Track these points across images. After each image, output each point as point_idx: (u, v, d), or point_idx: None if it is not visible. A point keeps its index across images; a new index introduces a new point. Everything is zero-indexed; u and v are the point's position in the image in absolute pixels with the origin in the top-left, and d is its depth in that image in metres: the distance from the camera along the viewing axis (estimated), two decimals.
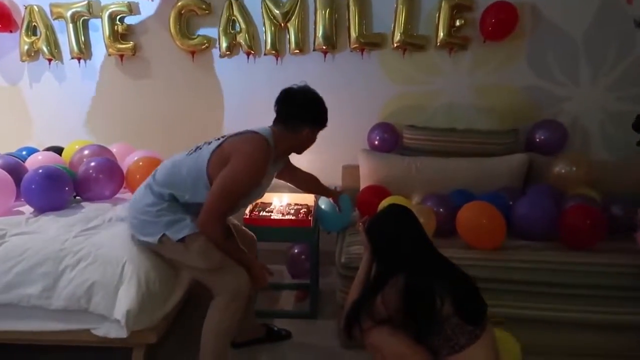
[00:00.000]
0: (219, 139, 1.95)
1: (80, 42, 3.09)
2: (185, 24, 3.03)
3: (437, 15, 2.88)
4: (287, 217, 2.60)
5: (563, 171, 2.72)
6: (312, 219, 2.55)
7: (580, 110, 2.98)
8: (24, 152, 2.75)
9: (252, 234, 2.33)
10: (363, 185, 2.97)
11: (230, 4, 2.96)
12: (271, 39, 2.99)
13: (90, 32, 3.13)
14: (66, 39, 3.11)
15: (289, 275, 3.09)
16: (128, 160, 2.70)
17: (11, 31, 3.13)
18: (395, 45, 2.95)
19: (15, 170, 2.28)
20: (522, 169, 2.83)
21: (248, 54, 3.05)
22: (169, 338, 2.06)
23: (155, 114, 3.19)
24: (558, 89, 2.96)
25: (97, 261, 1.84)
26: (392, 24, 2.92)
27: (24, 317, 1.83)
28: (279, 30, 2.99)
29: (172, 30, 3.00)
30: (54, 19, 3.08)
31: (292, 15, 2.94)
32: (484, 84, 2.98)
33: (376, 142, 3.01)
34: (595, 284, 2.14)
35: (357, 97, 3.08)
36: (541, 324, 2.18)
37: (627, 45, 2.86)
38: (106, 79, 3.18)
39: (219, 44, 3.03)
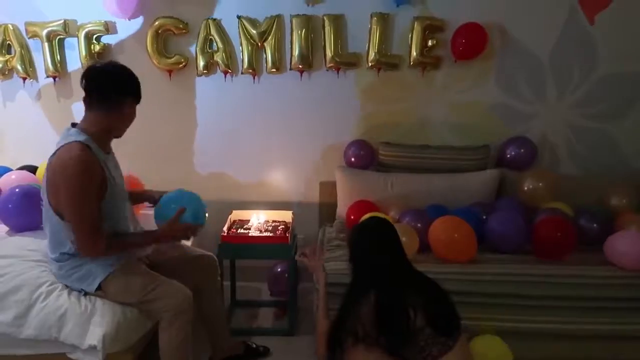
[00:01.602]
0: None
1: (56, 60, 3.08)
2: (163, 43, 3.05)
3: (410, 35, 2.96)
4: (264, 234, 2.62)
5: (531, 186, 2.81)
6: (289, 235, 2.57)
7: (547, 127, 3.09)
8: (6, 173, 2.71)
9: (212, 255, 2.30)
10: (341, 202, 3.01)
11: (208, 24, 3.00)
12: (248, 58, 3.03)
13: (67, 51, 3.12)
14: (41, 58, 3.09)
15: (268, 293, 3.09)
16: None
17: None
18: (370, 64, 3.02)
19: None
20: (493, 184, 2.91)
21: (225, 73, 3.08)
22: (147, 357, 2.03)
23: (131, 132, 3.16)
24: (526, 107, 3.07)
25: (73, 291, 1.83)
26: (367, 44, 3.00)
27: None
28: (256, 50, 3.04)
29: (149, 49, 3.02)
30: (29, 38, 3.07)
31: (268, 34, 2.99)
32: (455, 101, 3.08)
33: (352, 159, 3.07)
34: (567, 295, 2.20)
35: (333, 115, 3.14)
36: (514, 335, 2.22)
37: (590, 63, 2.99)
38: (81, 97, 3.15)
39: (197, 62, 3.06)
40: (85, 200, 1.68)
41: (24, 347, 1.78)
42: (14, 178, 2.47)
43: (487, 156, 3.03)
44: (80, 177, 1.65)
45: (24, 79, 3.14)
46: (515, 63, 3.01)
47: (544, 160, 3.11)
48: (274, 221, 2.80)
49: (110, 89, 1.77)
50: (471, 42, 2.88)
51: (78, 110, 3.16)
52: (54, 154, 1.73)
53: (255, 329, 2.68)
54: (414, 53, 2.99)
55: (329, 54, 3.01)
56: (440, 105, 3.09)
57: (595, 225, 2.55)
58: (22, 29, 3.06)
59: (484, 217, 2.58)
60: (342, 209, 2.95)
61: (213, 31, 3.00)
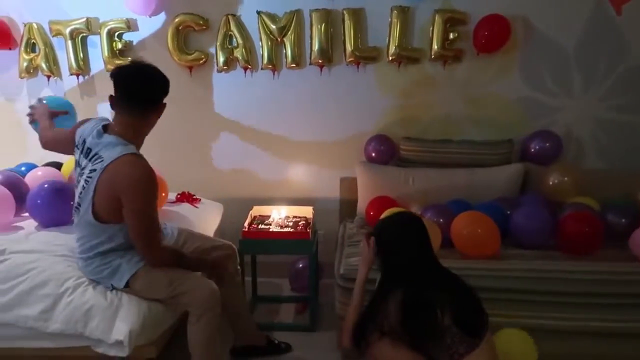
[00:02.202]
0: (83, 181, 1.79)
1: (79, 58, 3.12)
2: (183, 39, 3.07)
3: (431, 28, 2.92)
4: (285, 229, 2.62)
5: (557, 181, 2.75)
6: (310, 231, 2.56)
7: (573, 120, 3.02)
8: (22, 168, 2.76)
9: (230, 243, 2.30)
10: (361, 197, 2.99)
11: (228, 20, 3.00)
12: (268, 54, 3.03)
13: (89, 49, 3.16)
14: (65, 56, 3.14)
15: (289, 289, 3.09)
16: None
17: (10, 48, 3.15)
18: (390, 58, 2.99)
19: (15, 185, 2.29)
20: (518, 179, 2.86)
21: (245, 69, 3.09)
22: (170, 349, 2.05)
23: (157, 131, 3.21)
24: (551, 100, 3.00)
25: (98, 285, 1.85)
26: (387, 38, 2.97)
27: (20, 337, 1.82)
28: (276, 45, 3.03)
29: (170, 46, 3.04)
30: (52, 36, 3.11)
31: (288, 30, 2.99)
32: (478, 95, 3.03)
33: (373, 154, 3.04)
34: (592, 291, 2.16)
35: (353, 110, 3.12)
36: (538, 332, 2.18)
37: (617, 55, 2.91)
38: (104, 95, 3.16)
39: (217, 59, 3.07)
40: (155, 212, 1.77)
41: (50, 340, 1.81)
42: (40, 174, 2.52)
43: (511, 150, 2.97)
44: (153, 185, 1.73)
45: (49, 77, 3.19)
46: (539, 55, 2.95)
47: (569, 154, 3.04)
48: (294, 217, 2.80)
49: (157, 95, 1.81)
50: (494, 34, 2.83)
51: (103, 111, 3.20)
52: (109, 163, 1.70)
53: (277, 324, 2.68)
54: (435, 46, 2.95)
55: (348, 48, 2.98)
56: (462, 99, 3.04)
57: (622, 220, 2.49)
58: (46, 27, 3.11)
59: (508, 212, 2.53)
60: (362, 205, 2.93)
61: (233, 27, 3.01)
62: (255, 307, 2.88)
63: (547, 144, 2.92)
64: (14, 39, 3.15)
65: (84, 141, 1.82)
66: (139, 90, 1.77)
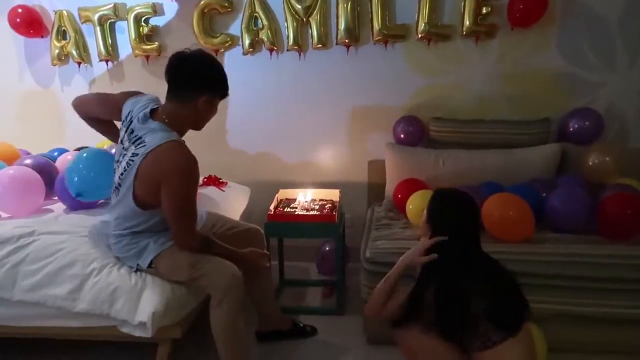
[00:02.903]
0: (125, 164, 1.79)
1: (108, 44, 3.16)
2: (209, 22, 3.05)
3: (463, 3, 2.79)
4: (311, 212, 2.58)
5: (597, 161, 2.59)
6: (336, 214, 2.52)
7: (616, 97, 2.84)
8: (55, 153, 2.83)
9: (256, 227, 2.28)
10: (389, 180, 2.92)
11: (252, 1, 2.96)
12: (293, 35, 2.97)
13: (117, 34, 3.19)
14: (94, 42, 3.17)
15: (317, 273, 3.08)
16: None
17: (42, 36, 3.22)
18: (419, 35, 2.88)
19: (46, 169, 2.34)
20: (554, 160, 2.72)
21: (271, 51, 3.04)
22: (195, 331, 2.07)
23: None
24: (592, 75, 2.83)
25: (123, 266, 1.87)
26: (416, 14, 2.86)
27: (50, 316, 1.87)
28: (301, 26, 2.97)
29: (196, 29, 3.02)
30: (82, 23, 3.16)
31: (313, 9, 2.92)
32: (513, 72, 2.88)
33: (402, 136, 2.96)
34: (633, 277, 2.03)
35: (381, 90, 3.03)
36: (573, 319, 2.09)
37: None
38: (133, 80, 3.23)
39: (242, 41, 3.04)
40: (194, 199, 1.76)
41: (78, 319, 1.85)
42: (70, 159, 2.55)
43: (548, 130, 2.83)
44: (195, 176, 1.74)
45: (79, 63, 3.24)
46: (579, 28, 2.77)
47: (610, 132, 2.87)
48: (320, 200, 2.76)
49: (186, 79, 1.75)
50: (529, 6, 2.68)
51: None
52: (152, 149, 1.70)
53: (303, 308, 2.67)
54: (466, 22, 2.82)
55: (376, 26, 2.89)
56: (496, 76, 2.91)
57: None
58: (76, 14, 3.15)
59: (544, 194, 2.41)
60: (390, 188, 2.86)
61: (258, 8, 2.96)
62: (282, 290, 2.87)
63: (587, 123, 2.76)
64: (46, 27, 3.22)
65: (130, 121, 1.81)
66: (182, 76, 1.75)
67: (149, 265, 1.83)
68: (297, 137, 3.19)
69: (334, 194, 2.80)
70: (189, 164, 1.71)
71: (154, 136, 1.72)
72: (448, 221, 1.61)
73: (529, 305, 1.52)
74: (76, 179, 2.11)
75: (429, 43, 2.91)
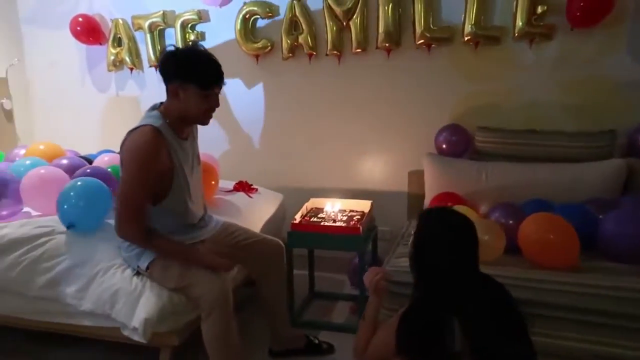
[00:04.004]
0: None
1: (157, 50, 3.26)
2: (251, 27, 3.05)
3: (515, 2, 2.55)
4: (337, 223, 2.46)
5: None
6: (362, 226, 2.38)
7: None
8: (101, 155, 2.94)
9: (278, 241, 2.18)
10: (428, 193, 2.72)
11: (293, 6, 2.92)
12: (333, 39, 2.89)
13: (167, 41, 3.29)
14: (145, 49, 3.30)
15: (350, 285, 2.94)
16: None
17: (100, 44, 3.40)
18: (466, 38, 2.68)
19: (76, 170, 2.42)
20: (618, 177, 2.38)
21: (310, 56, 2.98)
22: (196, 338, 2.02)
23: (222, 119, 3.27)
24: None
25: (127, 268, 1.87)
26: (462, 15, 2.66)
27: (60, 314, 1.92)
28: (341, 30, 2.88)
29: (237, 34, 3.04)
30: (135, 30, 3.29)
31: (354, 13, 2.82)
32: (572, 78, 2.59)
33: (444, 146, 2.76)
34: None
35: (424, 97, 2.86)
36: None
37: None
38: None
39: (282, 46, 3.00)
40: (138, 184, 1.68)
41: (85, 318, 1.88)
42: (107, 160, 2.65)
43: (613, 144, 2.49)
44: (143, 162, 1.67)
45: (131, 69, 3.38)
46: None
47: None
48: (351, 211, 2.63)
49: (168, 75, 1.74)
50: (593, 3, 2.39)
51: None
52: (129, 133, 1.74)
53: (325, 324, 2.54)
54: (519, 23, 2.57)
55: (418, 29, 2.73)
56: (553, 83, 2.63)
57: None
58: (130, 22, 3.29)
59: (600, 216, 2.11)
60: (428, 202, 2.67)
61: (298, 13, 2.92)
62: (311, 303, 2.77)
63: None
64: (104, 35, 3.39)
65: None
66: (161, 70, 1.76)
67: (147, 269, 1.81)
68: (335, 144, 3.09)
69: (365, 205, 2.66)
70: (139, 149, 1.66)
71: (142, 122, 1.74)
72: (434, 243, 1.40)
73: (533, 347, 1.28)
74: (66, 206, 1.97)
75: (476, 46, 2.69)
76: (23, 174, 2.26)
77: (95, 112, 3.58)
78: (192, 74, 1.71)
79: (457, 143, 2.74)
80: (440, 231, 1.41)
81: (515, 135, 2.63)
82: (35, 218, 2.17)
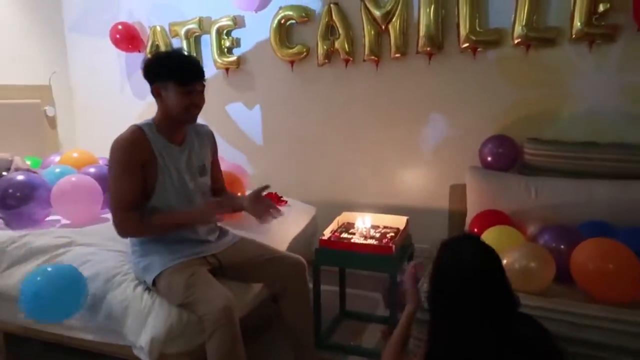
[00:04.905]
0: None
1: None
2: (286, 33, 2.94)
3: (572, 0, 2.30)
4: (368, 241, 2.29)
5: None
6: (394, 245, 2.19)
7: None
8: None
9: (299, 257, 2.03)
10: (470, 209, 2.50)
11: (329, 10, 2.78)
12: (370, 44, 2.73)
13: (203, 48, 3.24)
14: None
15: (384, 306, 2.75)
16: None
17: (139, 51, 3.41)
18: (516, 41, 2.45)
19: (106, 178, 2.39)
20: None
21: (346, 62, 2.83)
22: None
23: (253, 127, 3.18)
24: None
25: (140, 285, 1.79)
26: (512, 16, 2.43)
27: (74, 328, 1.85)
28: (379, 34, 2.72)
29: (272, 40, 2.94)
30: (172, 37, 3.27)
31: (393, 15, 2.65)
32: (637, 84, 2.30)
33: (489, 159, 2.53)
34: None
35: (468, 105, 2.64)
36: None
37: None
38: (214, 92, 3.26)
39: (317, 51, 2.87)
40: (118, 178, 1.70)
41: (97, 334, 1.81)
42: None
43: None
44: (118, 154, 1.70)
45: None
46: None
47: None
48: (385, 227, 2.45)
49: (150, 77, 1.75)
50: None
51: (234, 111, 3.27)
52: None
53: (354, 348, 2.37)
54: (577, 23, 2.31)
55: (462, 32, 2.53)
56: (615, 89, 2.35)
57: None
58: (167, 29, 3.27)
59: None
60: (471, 219, 2.44)
61: (335, 17, 2.78)
62: (341, 323, 2.61)
63: None
64: (143, 42, 3.39)
65: None
66: (143, 73, 1.79)
67: (153, 284, 1.73)
68: (371, 155, 2.92)
69: (400, 221, 2.47)
70: (117, 143, 1.71)
71: None
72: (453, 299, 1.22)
73: None
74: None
75: (527, 49, 2.45)
76: (52, 182, 2.26)
77: (133, 119, 3.47)
78: (170, 71, 1.71)
79: (504, 156, 2.50)
80: (456, 273, 1.22)
81: (570, 147, 2.37)
82: (58, 228, 2.15)
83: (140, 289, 1.77)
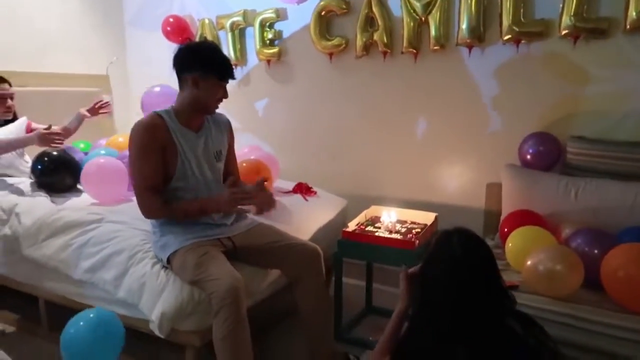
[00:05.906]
0: None
1: (237, 49, 3.30)
2: (326, 25, 2.94)
3: None
4: (393, 235, 2.24)
5: None
6: (418, 240, 2.13)
7: None
8: None
9: (315, 246, 2.00)
10: (505, 209, 2.38)
11: (370, 1, 2.75)
12: (409, 36, 2.66)
13: (247, 40, 3.31)
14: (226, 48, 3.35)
15: None
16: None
17: None
18: (563, 32, 2.29)
19: None
20: None
21: (384, 54, 2.78)
22: None
23: (291, 119, 3.20)
24: None
25: (158, 262, 1.86)
26: (560, 5, 2.28)
27: (101, 299, 1.96)
28: (419, 25, 2.64)
29: (312, 32, 2.95)
30: (218, 30, 3.36)
31: (433, 6, 2.57)
32: None
33: (528, 157, 2.39)
34: None
35: (509, 100, 2.52)
36: None
37: None
38: (257, 84, 3.32)
39: (356, 43, 2.84)
40: (139, 159, 1.78)
41: (121, 306, 1.89)
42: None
43: None
44: (138, 137, 1.77)
45: None
46: None
47: None
48: (412, 222, 2.39)
49: (187, 66, 1.81)
50: None
51: (273, 100, 3.31)
52: None
53: (374, 343, 2.32)
54: (632, 12, 2.14)
55: (505, 22, 2.40)
56: None
57: None
58: (214, 21, 3.37)
59: None
60: (503, 219, 2.32)
61: (374, 8, 2.74)
62: (365, 318, 2.57)
63: None
64: (193, 35, 3.51)
65: None
66: (174, 65, 1.85)
67: (168, 261, 1.79)
68: (406, 149, 2.86)
69: (429, 217, 2.40)
70: (136, 127, 1.79)
71: None
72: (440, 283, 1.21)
73: None
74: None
75: (575, 41, 2.29)
76: None
77: None
78: (214, 65, 1.80)
79: (545, 154, 2.35)
80: (447, 256, 1.23)
81: (619, 147, 2.19)
82: (90, 205, 2.28)
83: (158, 266, 1.84)
